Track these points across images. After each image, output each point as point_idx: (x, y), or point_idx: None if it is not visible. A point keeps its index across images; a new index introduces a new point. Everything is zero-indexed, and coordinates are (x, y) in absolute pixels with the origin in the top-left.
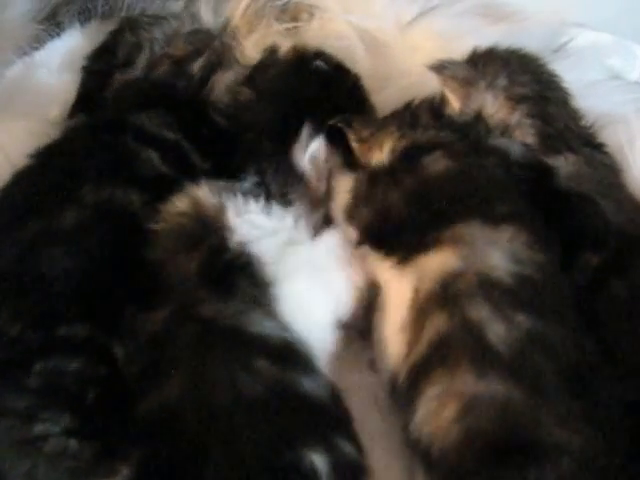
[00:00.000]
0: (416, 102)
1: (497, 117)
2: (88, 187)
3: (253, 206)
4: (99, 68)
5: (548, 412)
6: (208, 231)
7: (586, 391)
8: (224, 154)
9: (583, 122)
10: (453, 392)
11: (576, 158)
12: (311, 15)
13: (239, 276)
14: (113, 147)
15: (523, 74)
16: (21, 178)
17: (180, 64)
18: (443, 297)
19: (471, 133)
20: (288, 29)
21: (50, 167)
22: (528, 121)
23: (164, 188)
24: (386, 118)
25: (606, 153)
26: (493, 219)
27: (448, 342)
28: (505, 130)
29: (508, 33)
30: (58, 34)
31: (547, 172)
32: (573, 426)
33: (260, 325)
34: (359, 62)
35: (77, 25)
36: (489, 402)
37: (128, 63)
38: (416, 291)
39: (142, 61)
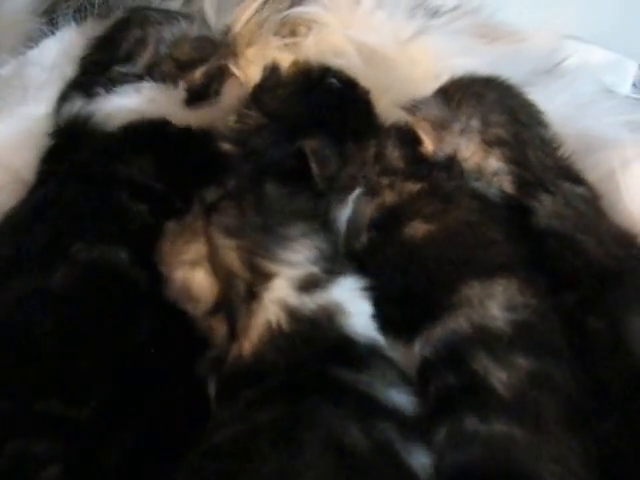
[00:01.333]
0: (384, 141)
1: (472, 161)
2: (79, 245)
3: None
4: (98, 58)
5: (548, 449)
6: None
7: (584, 425)
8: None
9: (561, 153)
10: (457, 434)
11: (554, 199)
12: (309, 29)
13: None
14: (106, 203)
15: (499, 113)
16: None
17: (184, 69)
18: (449, 358)
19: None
20: (287, 44)
21: (40, 222)
22: (504, 167)
23: (148, 238)
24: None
25: (585, 185)
26: (488, 274)
27: (454, 394)
28: (480, 175)
29: (503, 53)
30: (53, 32)
31: (525, 213)
32: (571, 463)
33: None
34: (357, 74)
35: (72, 23)
36: (490, 440)
37: (129, 58)
38: (423, 359)
39: (145, 59)
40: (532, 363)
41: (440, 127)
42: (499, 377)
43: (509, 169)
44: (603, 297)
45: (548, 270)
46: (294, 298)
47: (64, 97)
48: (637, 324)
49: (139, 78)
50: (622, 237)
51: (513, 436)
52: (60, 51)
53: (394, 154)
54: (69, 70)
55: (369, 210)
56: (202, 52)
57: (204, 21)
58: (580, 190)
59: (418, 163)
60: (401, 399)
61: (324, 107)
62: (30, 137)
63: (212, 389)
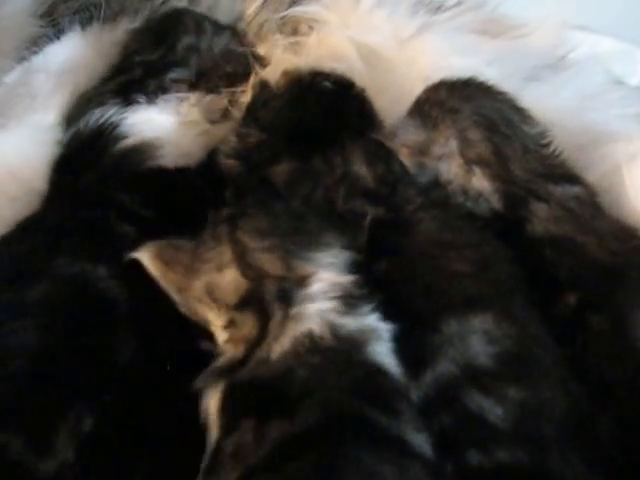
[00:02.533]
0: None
1: (456, 183)
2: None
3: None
4: (155, 59)
5: (551, 470)
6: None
7: (585, 438)
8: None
9: (552, 152)
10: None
11: (548, 205)
12: (310, 28)
13: None
14: (94, 223)
15: (476, 129)
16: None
17: (230, 82)
18: (443, 400)
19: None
20: (291, 43)
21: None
22: (488, 186)
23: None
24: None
25: (580, 183)
26: (463, 310)
27: (452, 433)
28: (467, 196)
29: (506, 49)
30: (56, 35)
31: (519, 225)
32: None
33: None
34: (356, 74)
35: (77, 28)
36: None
37: (183, 63)
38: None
39: (193, 66)
40: (523, 392)
41: (419, 153)
42: (494, 412)
43: (494, 187)
44: (606, 296)
45: (547, 277)
46: (336, 314)
47: (97, 100)
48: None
49: (191, 87)
50: (622, 232)
51: (518, 464)
52: (66, 57)
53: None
54: (81, 78)
55: None
56: (247, 67)
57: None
58: (575, 190)
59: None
60: (425, 442)
61: (316, 112)
62: (41, 147)
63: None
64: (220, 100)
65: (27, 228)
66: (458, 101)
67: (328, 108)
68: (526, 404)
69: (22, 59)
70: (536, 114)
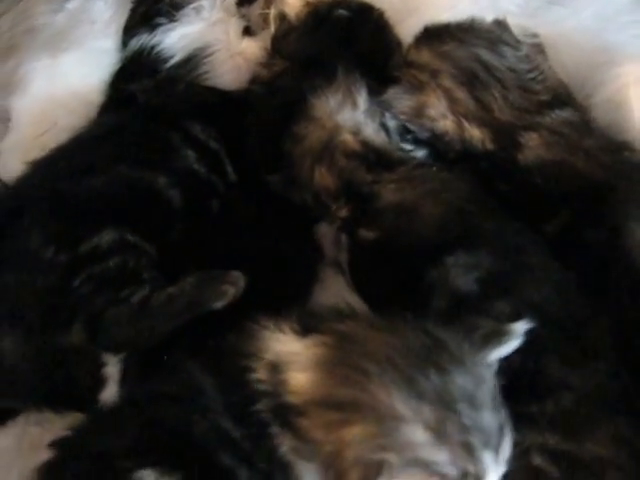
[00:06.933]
0: None
1: (452, 135)
2: (123, 165)
3: None
4: None
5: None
6: None
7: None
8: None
9: (535, 81)
10: None
11: (537, 134)
12: None
13: None
14: (158, 138)
15: (460, 85)
16: (83, 138)
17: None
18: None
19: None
20: None
21: (102, 141)
22: (479, 132)
23: (194, 182)
24: None
25: (571, 105)
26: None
27: None
28: (463, 144)
29: None
30: None
31: (509, 156)
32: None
33: None
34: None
35: None
36: None
37: None
38: None
39: None
40: (513, 303)
41: (416, 117)
42: None
43: (484, 133)
44: (599, 209)
45: (540, 202)
46: None
47: (130, 31)
48: (637, 230)
49: None
50: (611, 146)
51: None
52: None
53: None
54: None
55: None
56: None
57: None
58: (565, 114)
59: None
60: None
61: (328, 41)
62: (99, 68)
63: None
64: None
65: (91, 136)
66: (438, 61)
67: (340, 36)
68: (517, 313)
69: None
70: (556, 35)
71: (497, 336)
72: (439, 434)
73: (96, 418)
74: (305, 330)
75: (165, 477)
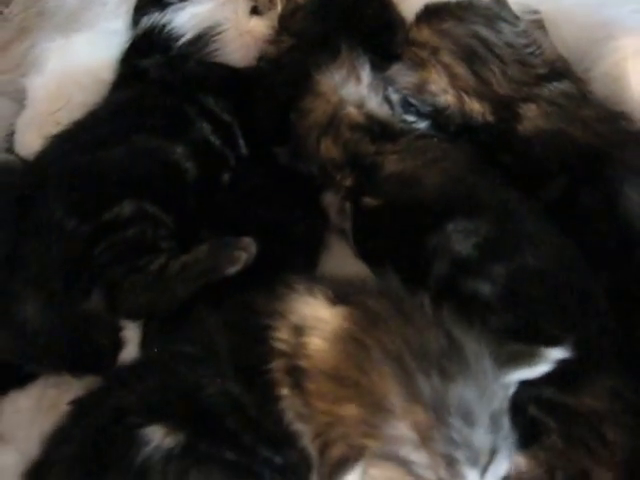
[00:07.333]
0: None
1: (453, 109)
2: (140, 136)
3: None
4: None
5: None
6: None
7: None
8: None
9: (533, 55)
10: None
11: (536, 105)
12: None
13: None
14: (174, 110)
15: (460, 62)
16: (100, 112)
17: None
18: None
19: None
20: None
21: (118, 113)
22: (479, 107)
23: (209, 153)
24: None
25: (568, 77)
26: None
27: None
28: (464, 117)
29: None
30: None
31: (509, 128)
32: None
33: None
34: None
35: None
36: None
37: None
38: None
39: None
40: (508, 266)
41: (418, 92)
42: (484, 289)
43: (484, 106)
44: (596, 175)
45: (538, 170)
46: None
47: (140, 10)
48: (632, 195)
49: None
50: (608, 115)
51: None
52: None
53: None
54: None
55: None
56: None
57: None
58: (563, 86)
59: None
60: None
61: (338, 17)
62: (110, 47)
63: None
64: None
65: (107, 110)
66: (438, 38)
67: (345, 14)
68: (513, 275)
69: None
70: (556, 11)
71: (525, 357)
72: (424, 438)
73: (113, 376)
74: (337, 299)
75: (171, 435)
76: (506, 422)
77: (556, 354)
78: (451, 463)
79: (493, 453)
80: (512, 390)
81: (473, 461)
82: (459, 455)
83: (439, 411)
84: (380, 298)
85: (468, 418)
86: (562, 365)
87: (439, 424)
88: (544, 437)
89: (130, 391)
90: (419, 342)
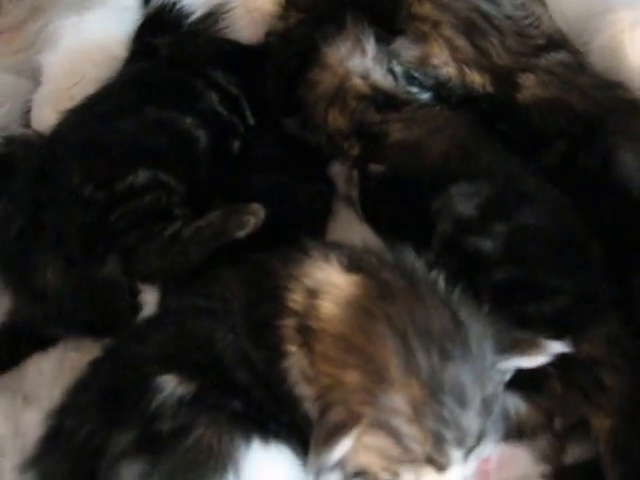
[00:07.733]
0: None
1: (454, 81)
2: (151, 107)
3: None
4: None
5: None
6: None
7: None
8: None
9: (531, 26)
10: None
11: (534, 75)
12: None
13: None
14: (183, 83)
15: (460, 34)
16: (111, 86)
17: None
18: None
19: None
20: None
21: (129, 86)
22: (480, 78)
23: (217, 122)
24: None
25: (565, 47)
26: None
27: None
28: (465, 88)
29: None
30: None
31: (508, 97)
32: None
33: None
34: None
35: None
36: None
37: None
38: None
39: None
40: (508, 224)
41: (421, 65)
42: (486, 246)
43: (484, 77)
44: (592, 140)
45: (537, 137)
46: None
47: None
48: (627, 159)
49: None
50: (603, 83)
51: (512, 279)
52: None
53: None
54: None
55: None
56: None
57: None
58: (560, 56)
59: None
60: None
61: None
62: (121, 23)
63: None
64: None
65: (118, 83)
66: (439, 12)
67: None
68: (513, 232)
69: None
70: None
71: (527, 346)
72: (417, 413)
73: (131, 329)
74: (352, 266)
75: (183, 385)
76: (497, 408)
77: (557, 347)
78: (439, 441)
79: (480, 437)
80: (508, 377)
81: (459, 442)
82: (447, 434)
83: (434, 389)
84: (394, 271)
85: (461, 399)
86: (560, 313)
87: (432, 401)
88: (544, 384)
89: (146, 342)
90: (425, 320)
